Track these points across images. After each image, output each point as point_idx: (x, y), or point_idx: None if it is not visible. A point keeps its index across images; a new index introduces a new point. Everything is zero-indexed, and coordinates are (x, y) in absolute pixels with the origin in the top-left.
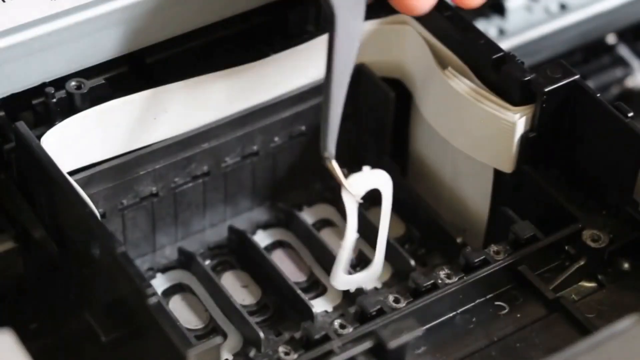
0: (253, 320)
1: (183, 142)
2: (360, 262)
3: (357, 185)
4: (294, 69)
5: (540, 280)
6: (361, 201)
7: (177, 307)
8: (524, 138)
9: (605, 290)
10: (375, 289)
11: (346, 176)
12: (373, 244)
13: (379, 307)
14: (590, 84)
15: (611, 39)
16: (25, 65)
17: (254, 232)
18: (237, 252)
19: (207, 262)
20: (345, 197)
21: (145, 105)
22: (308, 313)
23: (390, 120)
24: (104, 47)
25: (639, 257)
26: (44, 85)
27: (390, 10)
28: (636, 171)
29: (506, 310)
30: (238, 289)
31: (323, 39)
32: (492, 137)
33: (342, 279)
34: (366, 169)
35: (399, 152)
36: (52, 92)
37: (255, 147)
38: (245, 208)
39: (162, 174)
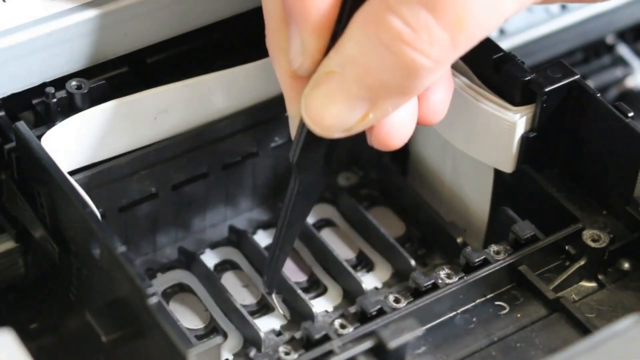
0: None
1: (183, 142)
2: (360, 261)
3: None
4: None
5: (541, 280)
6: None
7: (178, 307)
8: (524, 138)
9: (605, 290)
10: (376, 288)
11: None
12: (373, 244)
13: (379, 307)
14: (590, 84)
15: (611, 39)
16: (25, 65)
17: (254, 232)
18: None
19: (208, 261)
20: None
21: (145, 105)
22: (308, 313)
23: None
24: (104, 47)
25: (639, 257)
26: (44, 85)
27: None
28: (636, 171)
29: (506, 310)
30: (238, 289)
31: None
32: (492, 137)
33: None
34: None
35: (399, 152)
36: (52, 92)
37: (255, 147)
38: (246, 208)
39: (162, 174)
